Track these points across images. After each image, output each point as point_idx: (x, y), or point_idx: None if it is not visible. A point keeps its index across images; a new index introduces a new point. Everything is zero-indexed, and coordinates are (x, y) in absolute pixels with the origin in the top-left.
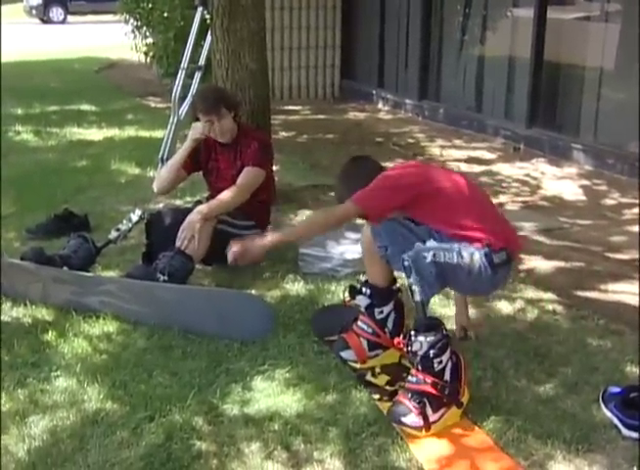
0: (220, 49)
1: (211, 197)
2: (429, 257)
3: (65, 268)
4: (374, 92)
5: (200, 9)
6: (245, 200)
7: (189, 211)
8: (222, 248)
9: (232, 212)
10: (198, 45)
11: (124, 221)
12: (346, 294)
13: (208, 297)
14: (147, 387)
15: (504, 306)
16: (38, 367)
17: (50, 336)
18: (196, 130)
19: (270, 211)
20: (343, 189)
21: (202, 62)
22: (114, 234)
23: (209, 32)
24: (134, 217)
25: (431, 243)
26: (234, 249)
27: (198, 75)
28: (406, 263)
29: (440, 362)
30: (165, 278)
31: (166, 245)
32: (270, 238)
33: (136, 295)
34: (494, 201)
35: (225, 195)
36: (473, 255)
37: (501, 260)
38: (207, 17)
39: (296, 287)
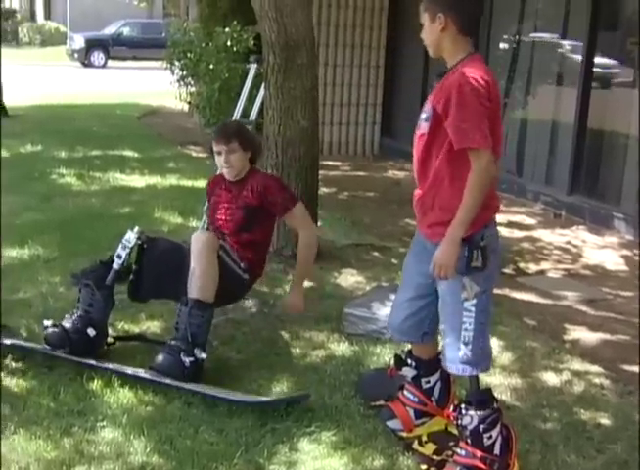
0: (273, 106)
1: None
2: (464, 351)
3: (90, 329)
4: None
5: (254, 65)
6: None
7: (184, 245)
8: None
9: (230, 242)
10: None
11: (120, 246)
12: (392, 363)
13: (241, 402)
14: (193, 443)
15: (550, 378)
16: (84, 416)
17: (95, 385)
18: None
19: (265, 260)
20: None
21: (252, 117)
22: (117, 262)
23: (262, 88)
24: (132, 238)
25: (450, 331)
26: None
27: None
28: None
29: (490, 437)
30: (191, 359)
31: (154, 274)
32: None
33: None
34: (536, 268)
35: (306, 246)
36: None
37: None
38: (254, 72)
39: (340, 347)
